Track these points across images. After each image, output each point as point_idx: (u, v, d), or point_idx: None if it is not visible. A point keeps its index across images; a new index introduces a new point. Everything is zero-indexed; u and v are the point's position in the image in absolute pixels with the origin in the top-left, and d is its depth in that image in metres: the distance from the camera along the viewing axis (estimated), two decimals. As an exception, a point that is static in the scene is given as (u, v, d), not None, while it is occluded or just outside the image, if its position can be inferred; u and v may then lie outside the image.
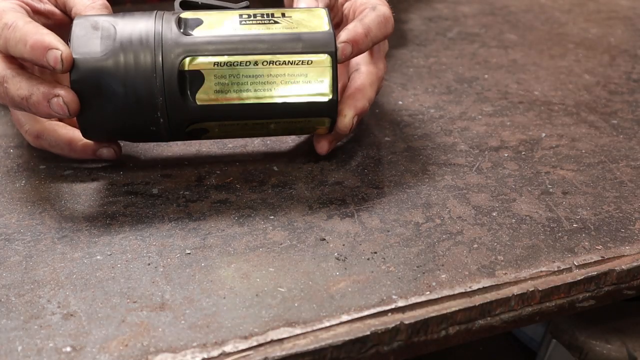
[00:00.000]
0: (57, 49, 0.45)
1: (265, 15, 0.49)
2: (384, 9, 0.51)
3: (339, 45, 0.48)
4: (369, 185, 0.51)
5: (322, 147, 0.53)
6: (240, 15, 0.48)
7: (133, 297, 0.41)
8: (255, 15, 0.48)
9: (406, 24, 0.82)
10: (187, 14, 0.48)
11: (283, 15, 0.49)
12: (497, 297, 0.42)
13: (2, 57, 0.47)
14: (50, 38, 0.45)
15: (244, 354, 0.37)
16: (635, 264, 0.45)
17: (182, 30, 0.47)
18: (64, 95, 0.45)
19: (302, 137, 0.57)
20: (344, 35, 0.48)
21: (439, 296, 0.41)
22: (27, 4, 0.49)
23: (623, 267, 0.45)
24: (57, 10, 0.51)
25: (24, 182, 0.51)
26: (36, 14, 0.50)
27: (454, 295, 0.42)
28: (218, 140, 0.56)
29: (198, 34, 0.47)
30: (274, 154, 0.55)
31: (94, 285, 0.41)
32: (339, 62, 0.48)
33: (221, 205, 0.49)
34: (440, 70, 0.70)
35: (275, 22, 0.48)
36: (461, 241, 0.46)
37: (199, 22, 0.48)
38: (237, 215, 0.48)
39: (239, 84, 0.47)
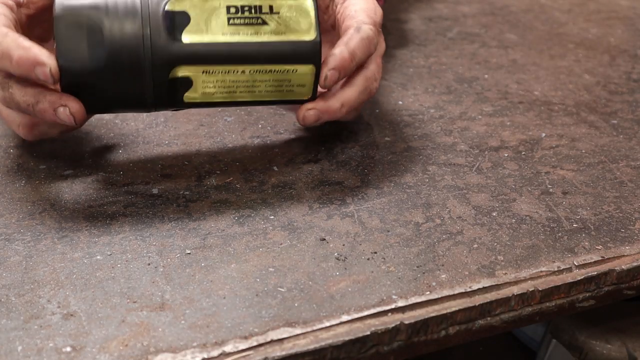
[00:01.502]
0: (44, 64, 0.44)
1: (253, 11, 0.49)
2: (367, 29, 0.51)
3: (328, 73, 0.49)
4: (369, 185, 0.51)
5: (308, 115, 0.51)
6: (228, 10, 0.48)
7: (133, 297, 0.41)
8: (243, 11, 0.49)
9: (406, 24, 0.82)
10: (173, 5, 0.48)
11: (271, 10, 0.49)
12: (497, 297, 0.42)
13: None
14: (34, 52, 0.44)
15: (244, 354, 0.37)
16: (635, 264, 0.45)
17: (171, 36, 0.47)
18: (71, 106, 0.46)
19: (303, 137, 0.57)
20: (331, 62, 0.50)
21: (439, 296, 0.41)
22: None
23: (623, 267, 0.45)
24: None
25: (24, 182, 0.51)
26: (20, 7, 0.49)
27: (454, 295, 0.42)
28: (218, 140, 0.56)
29: (187, 40, 0.47)
30: (274, 154, 0.55)
31: (94, 285, 0.41)
32: (325, 89, 0.51)
33: (221, 205, 0.49)
34: (440, 70, 0.70)
35: (264, 23, 0.49)
36: (461, 241, 0.46)
37: (186, 21, 0.48)
38: (237, 215, 0.48)
39: (225, 81, 0.49)
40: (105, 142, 0.55)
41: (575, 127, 0.60)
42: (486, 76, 0.69)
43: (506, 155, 0.56)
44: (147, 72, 0.47)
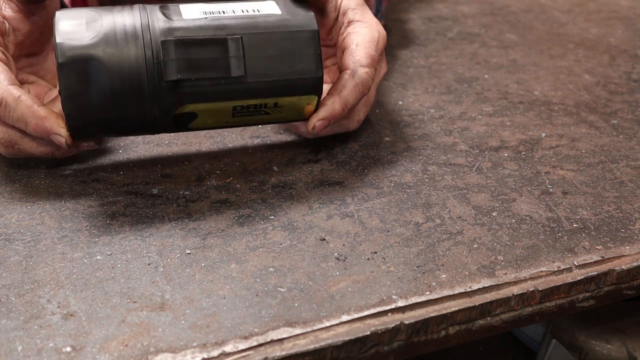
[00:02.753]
0: (59, 134, 0.47)
1: (258, 107, 0.50)
2: (362, 74, 0.51)
3: (317, 123, 0.50)
4: (369, 185, 0.51)
5: (316, 125, 0.51)
6: (234, 108, 0.49)
7: (133, 297, 0.41)
8: (249, 108, 0.50)
9: (406, 24, 0.82)
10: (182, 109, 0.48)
11: (275, 105, 0.50)
12: (497, 297, 0.42)
13: None
14: (50, 123, 0.46)
15: (244, 354, 0.37)
16: (635, 264, 0.45)
17: (168, 18, 0.47)
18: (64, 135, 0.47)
19: (303, 137, 0.57)
20: (322, 112, 0.50)
21: (439, 296, 0.41)
22: None
23: (623, 267, 0.45)
24: (21, 24, 0.50)
25: (24, 182, 0.51)
26: (3, 36, 0.49)
27: (454, 295, 0.42)
28: (218, 140, 0.56)
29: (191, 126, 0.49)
30: (274, 154, 0.55)
31: (94, 285, 0.41)
32: (312, 136, 0.52)
33: (221, 205, 0.49)
34: (440, 70, 0.70)
35: (266, 114, 0.51)
36: (461, 241, 0.46)
37: (193, 117, 0.49)
38: (237, 215, 0.48)
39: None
40: (105, 142, 0.55)
41: (575, 127, 0.60)
42: (486, 76, 0.69)
43: (506, 155, 0.56)
44: (151, 112, 0.47)
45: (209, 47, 0.47)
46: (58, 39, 0.45)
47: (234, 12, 0.49)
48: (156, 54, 0.46)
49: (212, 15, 0.48)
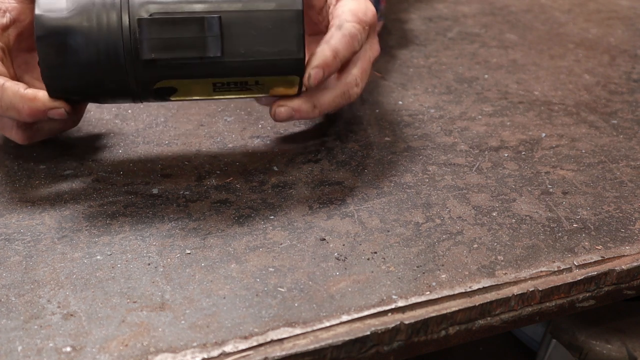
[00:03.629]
0: (56, 107, 0.46)
1: (239, 84, 0.49)
2: (349, 26, 0.50)
3: (312, 72, 0.49)
4: (369, 185, 0.51)
5: (279, 112, 0.51)
6: (215, 84, 0.49)
7: (133, 297, 0.41)
8: (229, 85, 0.49)
9: (406, 24, 0.82)
10: (162, 84, 0.48)
11: (257, 83, 0.49)
12: (497, 297, 0.42)
13: None
14: (42, 102, 0.46)
15: (244, 354, 0.37)
16: (635, 264, 0.45)
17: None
18: (63, 106, 0.47)
19: (303, 137, 0.57)
20: (314, 60, 0.49)
21: (439, 296, 0.41)
22: None
23: (623, 267, 0.45)
24: (21, 15, 0.50)
25: (24, 182, 0.51)
26: (6, 30, 0.49)
27: (454, 295, 0.42)
28: (218, 140, 0.56)
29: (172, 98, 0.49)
30: (274, 154, 0.55)
31: (94, 285, 0.41)
32: (311, 87, 0.49)
33: (221, 205, 0.49)
34: (440, 70, 0.70)
35: (248, 90, 0.50)
36: (461, 241, 0.46)
37: (172, 91, 0.49)
38: (237, 215, 0.48)
39: None
40: (105, 142, 0.55)
41: (575, 127, 0.60)
42: (486, 76, 0.69)
43: (506, 155, 0.56)
44: (131, 81, 0.47)
45: (185, 25, 0.46)
46: (37, 11, 0.45)
47: None
48: (133, 29, 0.45)
49: None
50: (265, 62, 0.48)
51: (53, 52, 0.45)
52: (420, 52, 0.74)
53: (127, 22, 0.46)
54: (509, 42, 0.78)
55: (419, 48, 0.75)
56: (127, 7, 0.46)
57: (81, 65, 0.46)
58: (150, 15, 0.46)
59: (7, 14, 0.49)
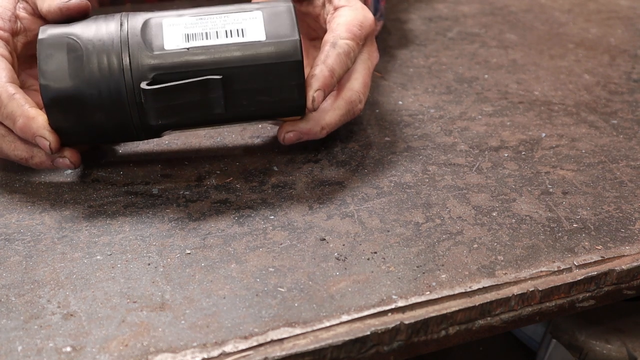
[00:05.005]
0: (44, 137, 0.47)
1: None
2: (343, 44, 0.51)
3: (314, 95, 0.49)
4: (369, 185, 0.51)
5: (288, 137, 0.52)
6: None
7: (133, 297, 0.41)
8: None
9: (406, 24, 0.82)
10: None
11: None
12: (497, 297, 0.42)
13: None
14: (38, 123, 0.46)
15: (244, 354, 0.37)
16: (635, 264, 0.45)
17: (148, 49, 0.47)
18: (68, 155, 0.49)
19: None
20: (315, 83, 0.50)
21: (439, 296, 0.41)
22: (5, 31, 0.49)
23: (623, 267, 0.45)
24: (32, 25, 0.51)
25: (24, 182, 0.51)
26: (17, 36, 0.50)
27: (454, 295, 0.42)
28: (218, 140, 0.56)
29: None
30: (274, 154, 0.55)
31: (94, 285, 0.41)
32: (312, 111, 0.50)
33: (221, 205, 0.49)
34: (440, 70, 0.70)
35: None
36: (461, 241, 0.46)
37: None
38: (237, 215, 0.48)
39: None
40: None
41: (575, 127, 0.60)
42: (486, 76, 0.69)
43: (506, 155, 0.56)
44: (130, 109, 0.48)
45: (189, 90, 0.47)
46: (42, 81, 0.46)
47: (217, 35, 0.48)
48: (137, 93, 0.47)
49: (194, 42, 0.48)
50: (268, 110, 0.50)
51: (61, 117, 0.47)
52: (420, 52, 0.74)
53: (132, 89, 0.47)
54: (509, 42, 0.78)
55: (419, 48, 0.75)
56: (129, 72, 0.47)
57: (88, 125, 0.48)
58: (154, 78, 0.47)
59: (19, 22, 0.50)
